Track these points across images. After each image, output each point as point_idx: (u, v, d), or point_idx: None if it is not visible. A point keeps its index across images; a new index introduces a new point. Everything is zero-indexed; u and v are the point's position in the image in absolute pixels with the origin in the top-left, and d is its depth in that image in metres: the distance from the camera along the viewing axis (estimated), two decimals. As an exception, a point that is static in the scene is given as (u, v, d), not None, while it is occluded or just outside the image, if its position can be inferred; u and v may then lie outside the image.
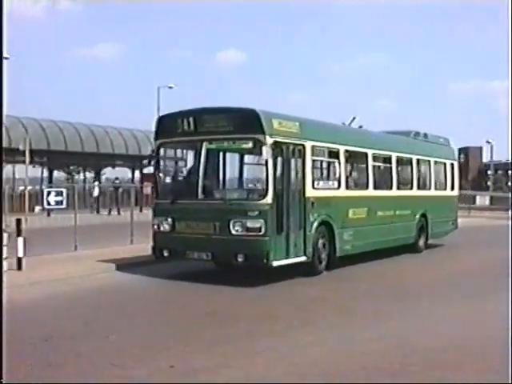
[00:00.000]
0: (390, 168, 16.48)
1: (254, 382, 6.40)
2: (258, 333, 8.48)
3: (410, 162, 17.63)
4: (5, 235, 11.42)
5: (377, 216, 15.54)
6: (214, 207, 12.08)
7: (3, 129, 29.22)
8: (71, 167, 42.90)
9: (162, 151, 13.03)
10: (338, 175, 14.09)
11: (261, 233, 11.71)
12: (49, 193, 15.95)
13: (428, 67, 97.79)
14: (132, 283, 12.47)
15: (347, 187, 14.40)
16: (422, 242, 18.14)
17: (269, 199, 11.74)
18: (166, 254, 12.68)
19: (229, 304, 10.50)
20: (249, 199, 12.04)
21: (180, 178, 12.96)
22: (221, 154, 13.12)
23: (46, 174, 39.02)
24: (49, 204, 15.83)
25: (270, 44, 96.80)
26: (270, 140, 11.70)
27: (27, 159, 23.05)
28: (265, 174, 11.82)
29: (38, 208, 26.72)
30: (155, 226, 12.89)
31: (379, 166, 16.37)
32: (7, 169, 34.34)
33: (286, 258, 12.29)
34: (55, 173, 39.41)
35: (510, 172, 61.29)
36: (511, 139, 16.98)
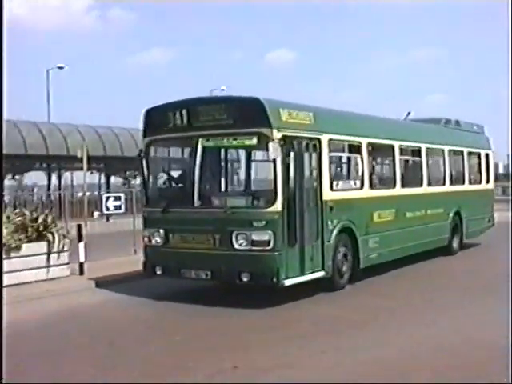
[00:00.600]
0: (420, 162, 14.36)
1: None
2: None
3: (441, 153, 15.47)
4: (66, 241, 12.28)
5: (406, 218, 13.44)
6: (213, 217, 10.09)
7: (62, 137, 30.05)
8: (127, 172, 42.46)
9: (151, 150, 11.02)
10: (360, 173, 12.02)
11: (269, 247, 9.71)
12: (107, 198, 15.73)
13: (481, 60, 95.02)
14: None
15: (371, 186, 12.33)
16: (456, 244, 16.00)
17: (278, 206, 9.72)
18: (158, 271, 10.73)
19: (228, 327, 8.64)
20: (254, 206, 10.00)
21: (173, 182, 10.95)
22: (220, 152, 11.06)
23: (103, 179, 38.86)
24: (108, 209, 15.70)
25: (320, 42, 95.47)
26: (277, 134, 9.67)
27: (85, 166, 22.78)
28: (273, 175, 9.81)
29: (96, 213, 26.81)
30: (146, 239, 10.94)
31: (407, 160, 14.29)
32: (66, 176, 34.71)
33: (301, 275, 10.29)
34: (112, 178, 39.07)
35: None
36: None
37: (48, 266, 11.94)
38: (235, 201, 10.10)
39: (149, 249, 10.92)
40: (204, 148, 10.31)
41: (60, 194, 25.48)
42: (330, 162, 11.09)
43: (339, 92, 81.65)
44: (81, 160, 25.61)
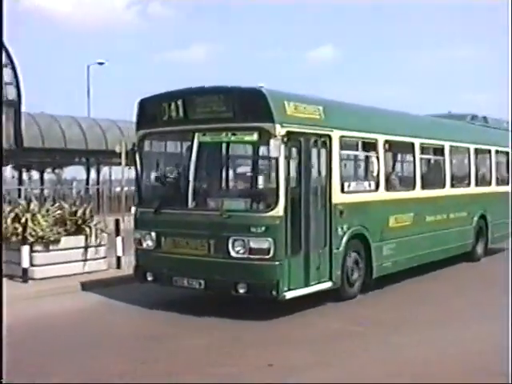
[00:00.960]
0: (443, 161, 13.20)
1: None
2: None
3: (466, 152, 14.30)
4: (104, 235, 12.28)
5: (426, 222, 12.32)
6: (208, 220, 9.09)
7: (101, 132, 29.89)
8: (166, 168, 42.41)
9: (145, 144, 10.04)
10: (375, 173, 10.94)
11: (268, 255, 8.71)
12: None
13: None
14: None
15: (387, 188, 11.24)
16: (480, 249, 14.82)
17: (279, 210, 8.70)
18: (149, 277, 9.78)
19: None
20: (253, 210, 8.99)
21: (167, 180, 9.96)
22: (218, 148, 10.02)
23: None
24: None
25: (361, 40, 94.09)
26: (281, 130, 8.64)
27: (123, 161, 22.30)
28: (274, 175, 8.79)
29: (134, 208, 25.67)
30: (136, 241, 10.00)
31: (429, 160, 13.18)
32: (104, 171, 34.06)
33: (305, 287, 9.29)
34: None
35: None
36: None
37: (85, 260, 11.90)
38: (232, 203, 9.08)
39: (140, 252, 9.99)
40: (200, 143, 9.32)
41: (98, 189, 25.01)
42: (341, 162, 10.04)
43: (381, 90, 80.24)
44: (119, 155, 25.42)
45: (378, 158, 10.92)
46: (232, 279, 8.87)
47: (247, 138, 8.94)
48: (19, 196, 18.97)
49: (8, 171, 30.26)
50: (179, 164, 9.79)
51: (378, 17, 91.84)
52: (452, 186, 13.43)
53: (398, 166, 12.52)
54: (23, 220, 11.39)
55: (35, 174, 34.15)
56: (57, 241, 11.51)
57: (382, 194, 11.04)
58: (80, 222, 11.95)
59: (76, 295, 10.69)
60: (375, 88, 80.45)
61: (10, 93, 26.39)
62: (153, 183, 10.19)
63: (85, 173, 33.59)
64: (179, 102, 9.38)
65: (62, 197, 20.11)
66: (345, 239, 9.98)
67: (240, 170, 9.11)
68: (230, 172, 9.48)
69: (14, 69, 26.88)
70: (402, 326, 8.73)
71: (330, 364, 7.07)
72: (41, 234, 11.28)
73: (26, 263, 11.03)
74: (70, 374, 6.66)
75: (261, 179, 9.21)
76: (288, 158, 8.91)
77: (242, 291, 8.82)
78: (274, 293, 8.71)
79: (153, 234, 9.65)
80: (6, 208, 12.00)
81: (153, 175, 10.21)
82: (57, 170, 34.39)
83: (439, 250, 12.76)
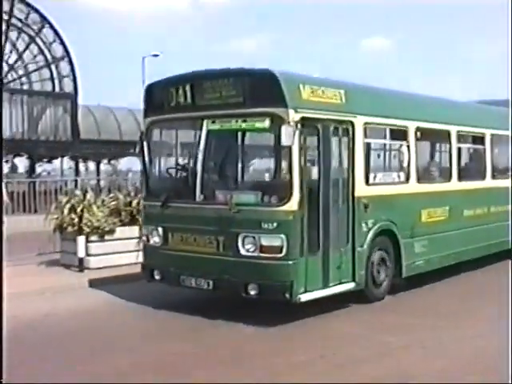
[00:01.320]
0: (483, 150, 12.16)
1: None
2: None
3: (510, 141, 13.18)
4: None
5: (463, 217, 11.32)
6: (217, 215, 8.33)
7: None
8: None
9: (153, 133, 9.33)
10: (405, 164, 9.99)
11: (281, 254, 7.92)
12: None
13: None
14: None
15: (419, 180, 10.29)
16: (523, 245, 13.68)
17: (293, 204, 7.89)
18: (157, 276, 9.08)
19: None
20: (264, 204, 8.18)
21: (174, 171, 9.23)
22: (229, 137, 9.20)
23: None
24: None
25: (416, 30, 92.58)
26: (295, 116, 7.82)
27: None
28: (287, 166, 7.98)
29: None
30: (144, 237, 9.33)
31: (467, 149, 12.15)
32: None
33: (324, 288, 8.46)
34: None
35: None
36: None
37: (139, 250, 11.20)
38: (242, 196, 8.28)
39: (147, 249, 9.31)
40: (209, 131, 8.55)
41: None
42: (366, 151, 9.15)
43: (434, 81, 78.22)
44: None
45: (408, 147, 9.99)
46: (242, 280, 8.11)
47: (258, 125, 8.12)
48: (76, 187, 19.05)
49: (65, 162, 30.89)
50: (187, 154, 9.05)
51: (430, 8, 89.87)
52: (493, 177, 12.37)
53: (432, 155, 11.51)
54: (79, 210, 11.53)
55: (91, 165, 34.78)
56: (111, 231, 11.64)
57: (414, 186, 10.11)
58: (134, 212, 11.90)
59: (131, 285, 10.34)
60: (429, 78, 78.76)
61: (67, 85, 27.11)
62: (160, 175, 9.48)
63: (140, 164, 33.50)
64: (187, 87, 8.64)
65: (118, 188, 20.05)
66: (370, 236, 9.11)
67: (252, 160, 8.28)
68: (241, 162, 8.67)
69: (70, 62, 27.22)
70: (428, 341, 7.78)
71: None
72: (96, 224, 11.42)
73: (81, 253, 11.32)
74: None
75: (274, 170, 8.39)
76: (303, 146, 8.09)
77: (252, 293, 8.05)
78: (287, 295, 7.91)
79: (159, 229, 8.95)
80: (63, 199, 12.12)
81: (161, 166, 9.49)
82: (112, 161, 34.74)
83: (478, 247, 11.74)
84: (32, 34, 26.92)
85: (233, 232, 8.14)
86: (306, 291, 8.17)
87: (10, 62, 26.47)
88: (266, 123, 8.01)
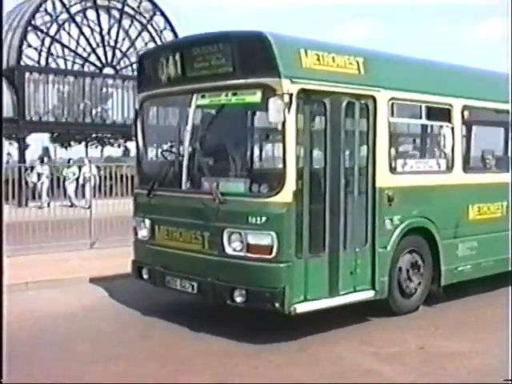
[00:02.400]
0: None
1: None
2: None
3: None
4: None
5: (525, 214, 9.46)
6: (203, 206, 7.03)
7: None
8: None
9: (147, 111, 8.13)
10: (448, 149, 8.30)
11: (271, 255, 6.54)
12: None
13: None
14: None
15: (466, 169, 8.59)
16: None
17: (286, 195, 6.48)
18: (145, 275, 7.90)
19: None
20: (253, 194, 6.78)
21: (162, 155, 7.97)
22: (218, 113, 7.80)
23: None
24: None
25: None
26: (290, 86, 6.40)
27: None
28: (280, 149, 6.57)
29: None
30: (134, 230, 8.17)
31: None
32: None
33: (332, 296, 6.99)
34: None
35: None
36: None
37: None
38: (230, 184, 6.91)
39: (136, 243, 8.14)
40: (198, 108, 7.27)
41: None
42: (392, 133, 7.57)
43: None
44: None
45: (452, 129, 8.30)
46: (228, 284, 6.78)
47: (249, 99, 6.72)
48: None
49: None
50: (175, 134, 7.76)
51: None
52: None
53: (483, 140, 9.65)
54: None
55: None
56: None
57: (459, 177, 8.42)
58: None
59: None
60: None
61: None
62: (152, 159, 8.26)
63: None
64: (177, 56, 7.38)
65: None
66: (396, 235, 7.57)
67: (244, 141, 6.86)
68: (234, 145, 7.28)
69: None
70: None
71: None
72: None
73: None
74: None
75: (266, 154, 6.98)
76: (304, 125, 6.65)
77: (238, 300, 6.71)
78: (277, 304, 6.52)
79: (147, 221, 7.78)
80: None
81: (152, 149, 8.27)
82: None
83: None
84: (144, 21, 27.66)
85: (218, 227, 6.84)
86: (305, 300, 6.76)
87: (123, 49, 27.34)
88: (258, 96, 6.62)
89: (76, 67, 26.79)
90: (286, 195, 6.47)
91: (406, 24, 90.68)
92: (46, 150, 49.46)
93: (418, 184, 7.88)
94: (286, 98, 6.33)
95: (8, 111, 25.03)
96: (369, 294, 7.36)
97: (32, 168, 20.85)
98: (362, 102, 7.22)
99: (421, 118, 8.06)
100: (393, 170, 7.58)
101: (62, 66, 26.82)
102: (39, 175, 20.21)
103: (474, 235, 8.62)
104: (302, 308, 6.69)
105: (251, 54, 6.64)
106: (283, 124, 6.42)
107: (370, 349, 6.67)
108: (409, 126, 8.38)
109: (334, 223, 6.95)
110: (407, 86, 7.75)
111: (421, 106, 7.99)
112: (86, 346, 6.77)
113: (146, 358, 6.41)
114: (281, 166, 6.56)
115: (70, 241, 11.30)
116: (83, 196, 17.25)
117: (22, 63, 25.58)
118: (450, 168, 8.32)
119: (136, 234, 8.01)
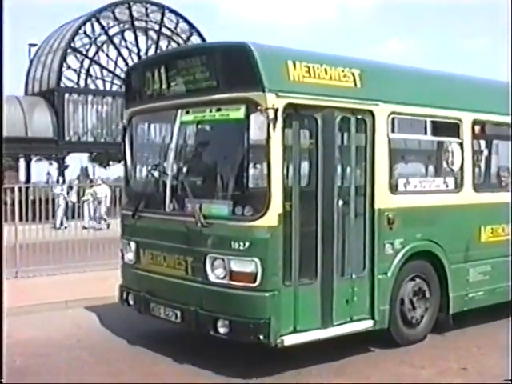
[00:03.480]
0: None
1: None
2: None
3: None
4: None
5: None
6: (186, 229, 6.56)
7: None
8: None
9: (132, 128, 7.72)
10: (456, 167, 7.72)
11: (254, 283, 6.03)
12: None
13: None
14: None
15: (477, 187, 7.99)
16: None
17: (271, 218, 5.99)
18: (131, 301, 7.45)
19: None
20: (235, 218, 6.27)
21: (147, 174, 7.52)
22: (203, 131, 7.30)
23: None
24: None
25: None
26: (276, 101, 5.92)
27: None
28: (265, 168, 6.09)
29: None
30: (121, 253, 7.75)
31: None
32: None
33: (325, 327, 6.45)
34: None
35: None
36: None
37: None
38: (213, 207, 6.43)
39: (123, 267, 7.71)
40: (182, 124, 6.82)
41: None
42: (393, 149, 7.02)
43: None
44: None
45: (461, 145, 7.72)
46: (211, 314, 6.30)
47: (233, 115, 6.24)
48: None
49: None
50: (161, 152, 7.31)
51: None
52: None
53: (497, 156, 8.99)
54: None
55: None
56: None
57: (469, 196, 7.82)
58: None
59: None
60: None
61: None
62: (138, 178, 7.82)
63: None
64: (162, 70, 6.97)
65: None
66: (397, 260, 7.02)
67: (229, 160, 6.38)
68: (217, 163, 6.79)
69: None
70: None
71: None
72: None
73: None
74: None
75: (251, 174, 6.49)
76: (292, 142, 6.18)
77: (222, 331, 6.22)
78: (262, 337, 6.00)
79: (132, 244, 7.35)
80: None
81: (139, 167, 7.84)
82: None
83: None
84: (181, 42, 27.53)
85: (201, 252, 6.38)
86: (295, 331, 6.24)
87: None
88: (241, 112, 6.15)
89: (114, 88, 27.13)
90: (271, 218, 5.98)
91: (441, 39, 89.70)
92: (84, 170, 49.77)
93: (423, 204, 7.31)
94: (271, 114, 5.86)
95: (48, 132, 25.49)
96: (367, 324, 6.82)
97: (71, 188, 20.85)
98: (359, 116, 6.69)
99: (426, 133, 7.50)
100: (394, 189, 7.03)
101: (101, 87, 27.15)
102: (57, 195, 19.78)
103: (487, 259, 8.01)
104: (290, 340, 6.18)
105: (234, 67, 6.19)
106: (267, 141, 5.95)
107: None
108: (412, 143, 7.82)
109: (327, 248, 6.43)
110: (409, 99, 7.20)
111: (425, 121, 7.43)
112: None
113: None
114: (264, 186, 6.08)
115: (107, 260, 11.00)
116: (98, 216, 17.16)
117: (62, 85, 26.08)
118: (458, 187, 7.74)
119: (123, 257, 7.58)
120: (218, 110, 6.42)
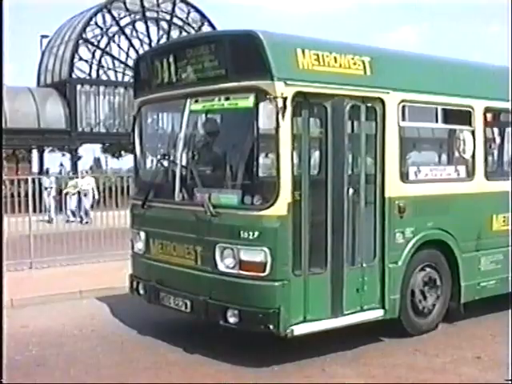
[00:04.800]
0: None
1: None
2: None
3: None
4: None
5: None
6: (195, 219, 6.56)
7: None
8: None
9: (142, 117, 7.70)
10: (468, 155, 7.66)
11: (264, 273, 6.02)
12: None
13: None
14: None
15: (489, 176, 7.92)
16: None
17: (281, 207, 5.96)
18: (141, 291, 7.46)
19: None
20: (245, 207, 6.25)
21: (157, 164, 7.49)
22: (212, 119, 7.30)
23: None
24: None
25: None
26: (284, 90, 5.89)
27: None
28: (274, 157, 6.06)
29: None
30: (131, 242, 7.76)
31: None
32: None
33: (335, 316, 6.43)
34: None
35: None
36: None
37: None
38: (222, 196, 6.41)
39: (133, 257, 7.72)
40: (192, 113, 6.80)
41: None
42: (403, 138, 6.97)
43: None
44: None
45: (473, 133, 7.65)
46: (221, 303, 6.29)
47: (242, 104, 6.21)
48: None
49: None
50: (171, 141, 7.30)
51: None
52: None
53: (508, 144, 8.87)
54: None
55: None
56: None
57: (481, 185, 7.76)
58: None
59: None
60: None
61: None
62: (148, 167, 7.81)
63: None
64: (171, 59, 6.94)
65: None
66: (408, 249, 6.97)
67: (238, 149, 6.34)
68: (226, 152, 6.77)
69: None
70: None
71: None
72: None
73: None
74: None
75: (260, 163, 6.46)
76: (302, 131, 6.14)
77: (231, 321, 6.21)
78: (272, 326, 5.99)
79: (142, 233, 7.36)
80: None
81: (149, 157, 7.83)
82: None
83: None
84: (192, 32, 27.37)
85: (210, 241, 6.36)
86: (304, 321, 6.22)
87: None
88: (250, 101, 6.11)
89: (126, 78, 27.10)
90: (281, 207, 5.95)
91: (456, 24, 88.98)
92: (97, 161, 49.97)
93: (434, 193, 7.26)
94: (280, 102, 5.83)
95: (60, 123, 25.60)
96: (377, 314, 6.79)
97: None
98: (369, 105, 6.64)
99: (437, 121, 7.43)
100: (404, 178, 6.98)
101: (113, 78, 27.18)
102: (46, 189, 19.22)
103: (499, 248, 7.95)
104: (300, 330, 6.16)
105: (243, 55, 6.14)
106: (277, 130, 5.91)
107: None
108: (423, 131, 7.75)
109: (337, 237, 6.39)
110: (420, 86, 7.13)
111: (436, 109, 7.36)
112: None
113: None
114: (273, 175, 6.06)
115: (120, 250, 11.03)
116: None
117: (74, 76, 26.13)
118: (470, 175, 7.68)
119: (132, 247, 7.59)
120: (227, 98, 6.41)
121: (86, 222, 14.85)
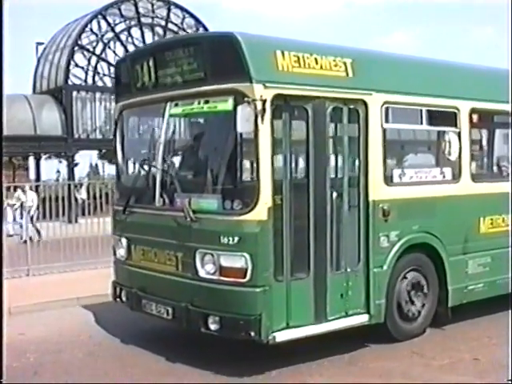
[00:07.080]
0: None
1: None
2: None
3: None
4: None
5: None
6: (175, 224, 6.46)
7: None
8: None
9: (123, 122, 7.60)
10: (454, 157, 7.56)
11: (245, 279, 5.92)
12: None
13: None
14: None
15: (476, 178, 7.82)
16: None
17: (261, 212, 5.87)
18: (123, 297, 7.37)
19: None
20: (224, 212, 6.15)
21: (138, 169, 7.41)
22: (193, 123, 7.23)
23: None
24: None
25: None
26: (263, 92, 5.80)
27: None
28: (254, 160, 5.98)
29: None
30: (113, 249, 7.67)
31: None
32: None
33: (318, 322, 6.33)
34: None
35: None
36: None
37: None
38: (202, 201, 6.31)
39: (115, 264, 7.63)
40: (171, 117, 6.72)
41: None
42: (387, 140, 6.87)
43: None
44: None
45: (459, 134, 7.56)
46: (202, 310, 6.19)
47: (221, 107, 6.11)
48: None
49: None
50: (151, 146, 7.21)
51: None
52: None
53: (496, 146, 8.76)
54: None
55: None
56: None
57: (467, 187, 7.66)
58: None
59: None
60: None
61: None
62: (129, 173, 7.71)
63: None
64: (150, 62, 6.86)
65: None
66: (393, 253, 6.88)
67: (218, 153, 6.22)
68: (206, 157, 6.66)
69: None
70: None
71: None
72: None
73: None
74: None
75: (242, 167, 6.35)
76: (282, 134, 6.06)
77: (213, 328, 6.11)
78: (253, 333, 5.89)
79: (123, 240, 7.26)
80: None
81: (130, 162, 7.73)
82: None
83: None
84: None
85: (190, 247, 6.27)
86: (287, 327, 6.12)
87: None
88: (229, 104, 6.02)
89: None
90: (261, 212, 5.85)
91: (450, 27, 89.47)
92: (95, 167, 49.97)
93: (419, 196, 7.16)
94: (259, 105, 5.74)
95: (57, 130, 25.51)
96: (362, 319, 6.69)
97: (81, 185, 20.65)
98: (351, 107, 6.55)
99: (421, 123, 7.33)
100: (388, 181, 6.89)
101: (109, 84, 26.98)
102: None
103: (487, 250, 7.85)
104: (282, 336, 6.06)
105: (221, 57, 6.07)
106: (256, 133, 5.82)
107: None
108: (407, 133, 7.66)
109: (320, 241, 6.30)
110: (404, 88, 7.05)
111: (421, 110, 7.26)
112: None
113: None
114: (253, 179, 5.97)
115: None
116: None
117: (70, 82, 26.03)
118: (456, 177, 7.58)
119: (114, 253, 7.50)
120: (206, 102, 6.29)
121: (38, 241, 13.67)
